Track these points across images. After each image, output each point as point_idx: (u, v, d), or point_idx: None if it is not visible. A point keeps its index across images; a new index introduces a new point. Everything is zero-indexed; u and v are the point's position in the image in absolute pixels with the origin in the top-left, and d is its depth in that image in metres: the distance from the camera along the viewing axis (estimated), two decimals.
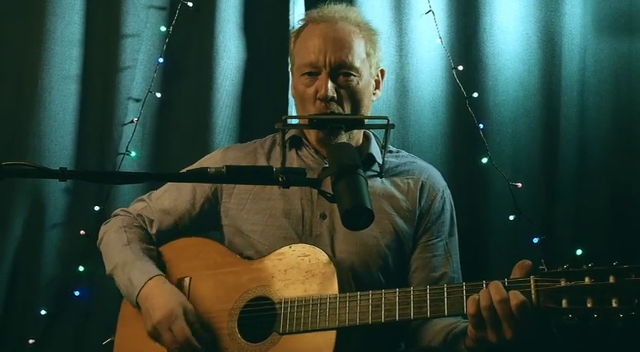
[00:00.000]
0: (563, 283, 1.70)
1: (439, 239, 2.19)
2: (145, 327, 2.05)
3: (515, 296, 1.71)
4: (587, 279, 1.68)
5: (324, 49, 2.13)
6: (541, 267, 1.75)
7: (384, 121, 1.92)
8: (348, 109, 2.14)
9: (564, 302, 1.69)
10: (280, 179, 1.70)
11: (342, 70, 2.13)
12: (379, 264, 2.12)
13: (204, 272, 2.13)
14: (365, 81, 2.18)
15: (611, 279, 1.66)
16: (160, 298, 2.05)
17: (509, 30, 2.87)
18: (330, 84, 2.11)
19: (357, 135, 2.24)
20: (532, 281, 1.73)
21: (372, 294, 1.89)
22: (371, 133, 2.31)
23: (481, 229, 2.83)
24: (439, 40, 2.86)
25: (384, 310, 1.87)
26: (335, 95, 2.12)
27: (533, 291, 1.72)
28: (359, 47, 2.17)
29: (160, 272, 2.13)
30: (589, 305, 1.66)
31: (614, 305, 1.64)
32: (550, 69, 2.85)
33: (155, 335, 2.03)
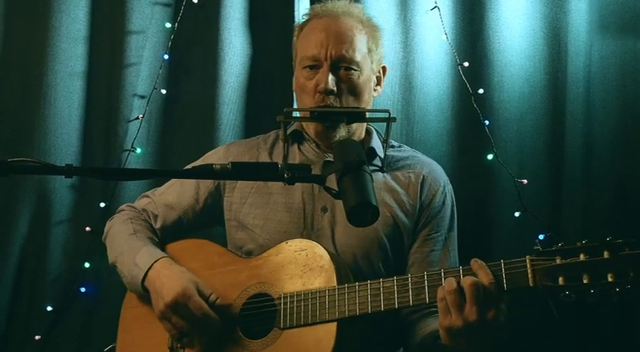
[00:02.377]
0: (558, 261, 1.71)
1: (439, 233, 2.19)
2: (156, 308, 2.03)
3: (485, 276, 1.75)
4: (582, 256, 1.69)
5: (326, 42, 2.14)
6: (536, 247, 1.75)
7: (386, 114, 1.93)
8: (347, 103, 2.15)
9: (561, 280, 1.70)
10: (285, 175, 1.70)
11: (343, 64, 2.14)
12: (380, 256, 2.12)
13: (203, 273, 2.13)
14: (365, 76, 2.18)
15: (606, 254, 1.67)
16: (169, 279, 2.04)
17: (514, 26, 2.87)
18: (330, 77, 2.12)
19: (359, 130, 2.25)
20: (528, 261, 1.74)
21: (370, 284, 1.90)
22: (372, 128, 2.31)
23: (486, 226, 2.83)
24: (444, 36, 2.85)
25: (383, 298, 1.87)
26: (335, 88, 2.12)
27: (529, 271, 1.73)
28: (360, 42, 2.17)
29: (166, 255, 2.14)
30: (585, 281, 1.67)
31: (609, 279, 1.66)
32: (556, 65, 2.84)
33: (167, 315, 2.02)
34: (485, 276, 1.76)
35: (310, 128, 2.22)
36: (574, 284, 1.69)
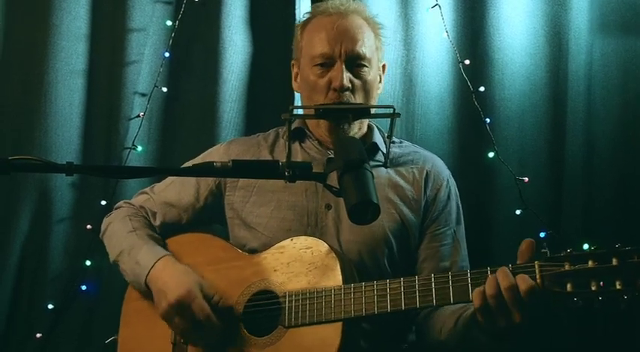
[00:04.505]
0: (567, 267, 1.71)
1: (447, 227, 2.20)
2: (159, 308, 2.03)
3: (524, 281, 1.72)
4: (590, 262, 1.69)
5: (339, 39, 2.14)
6: (544, 251, 1.75)
7: (390, 110, 1.94)
8: (359, 100, 2.16)
9: (569, 286, 1.70)
10: (287, 173, 1.70)
11: (356, 61, 2.15)
12: (386, 253, 2.12)
13: (206, 267, 2.13)
14: (374, 73, 2.20)
15: (614, 262, 1.67)
16: (173, 278, 2.04)
17: (515, 24, 2.86)
18: (346, 74, 2.13)
19: (363, 126, 2.25)
20: (537, 266, 1.74)
21: (376, 284, 1.90)
22: (373, 124, 2.32)
23: (487, 224, 2.82)
24: (445, 34, 2.85)
25: (390, 300, 1.87)
26: (350, 85, 2.13)
27: (538, 276, 1.73)
28: (369, 40, 2.19)
29: (168, 253, 2.13)
30: (593, 288, 1.68)
31: (617, 287, 1.66)
32: (557, 63, 2.84)
33: (170, 316, 2.02)
34: (524, 280, 1.73)
35: (321, 126, 2.21)
36: (582, 290, 1.69)
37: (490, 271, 1.79)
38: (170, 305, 2.00)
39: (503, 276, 1.74)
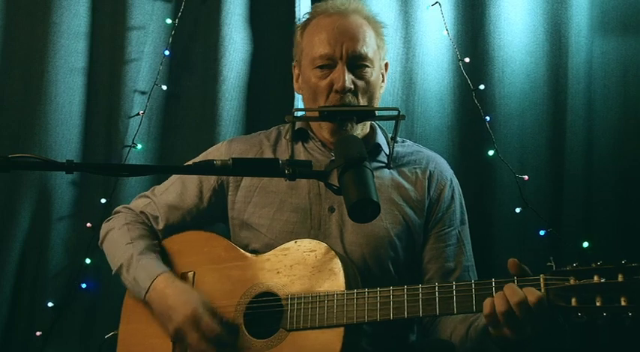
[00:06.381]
0: (572, 281, 1.71)
1: (452, 228, 2.19)
2: (167, 329, 2.02)
3: (533, 294, 1.71)
4: (595, 278, 1.69)
5: (340, 40, 2.12)
6: (549, 264, 1.75)
7: (395, 112, 1.92)
8: (362, 101, 2.13)
9: (573, 301, 1.70)
10: (287, 171, 1.70)
11: (358, 62, 2.12)
12: (390, 255, 2.11)
13: (208, 266, 2.12)
14: (377, 73, 2.18)
15: (620, 278, 1.66)
16: (176, 299, 2.01)
17: (515, 22, 2.86)
18: (348, 75, 2.10)
19: (365, 126, 2.24)
20: (542, 280, 1.74)
21: (380, 291, 1.88)
22: (376, 124, 2.30)
23: (488, 222, 2.82)
24: (446, 32, 2.85)
25: (393, 307, 1.86)
26: (352, 87, 2.11)
27: (543, 290, 1.73)
28: (371, 39, 2.17)
29: (166, 269, 2.11)
30: (598, 303, 1.67)
31: (622, 303, 1.65)
32: (557, 61, 2.84)
33: (179, 337, 2.00)
34: (532, 293, 1.73)
35: (324, 127, 2.19)
36: (586, 305, 1.68)
37: (495, 282, 1.79)
38: (178, 328, 1.99)
39: (511, 292, 1.73)
